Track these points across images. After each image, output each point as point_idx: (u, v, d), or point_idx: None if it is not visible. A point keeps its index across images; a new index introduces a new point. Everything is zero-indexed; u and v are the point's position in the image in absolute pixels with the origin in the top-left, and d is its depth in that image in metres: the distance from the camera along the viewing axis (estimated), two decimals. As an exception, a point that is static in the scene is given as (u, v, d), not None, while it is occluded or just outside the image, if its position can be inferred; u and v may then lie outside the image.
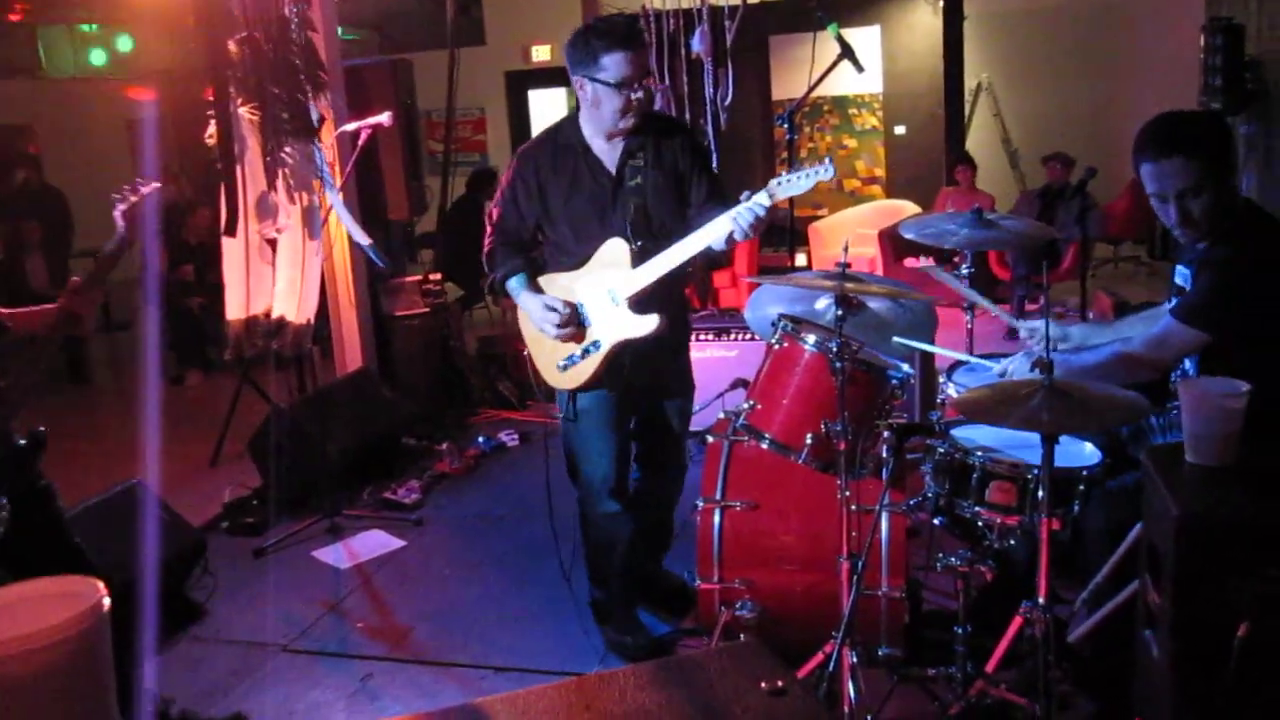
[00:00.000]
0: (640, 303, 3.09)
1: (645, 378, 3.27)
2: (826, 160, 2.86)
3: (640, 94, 3.04)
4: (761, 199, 2.87)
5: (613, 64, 2.98)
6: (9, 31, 8.71)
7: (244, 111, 4.68)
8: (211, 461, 5.65)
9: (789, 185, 2.88)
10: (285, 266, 5.14)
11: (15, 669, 2.54)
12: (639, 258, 3.07)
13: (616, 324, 3.12)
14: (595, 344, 3.15)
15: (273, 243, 5.04)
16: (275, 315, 5.07)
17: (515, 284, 3.25)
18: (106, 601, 2.74)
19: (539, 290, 3.23)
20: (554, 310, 3.13)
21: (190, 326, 7.67)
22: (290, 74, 4.60)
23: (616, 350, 3.14)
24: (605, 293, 3.12)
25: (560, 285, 3.21)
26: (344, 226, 5.46)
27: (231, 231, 4.86)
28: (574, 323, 3.15)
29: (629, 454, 3.43)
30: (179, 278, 7.70)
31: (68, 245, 9.15)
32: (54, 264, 8.55)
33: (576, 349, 3.17)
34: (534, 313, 3.19)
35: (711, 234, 2.95)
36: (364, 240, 5.14)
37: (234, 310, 5.13)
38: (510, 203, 3.25)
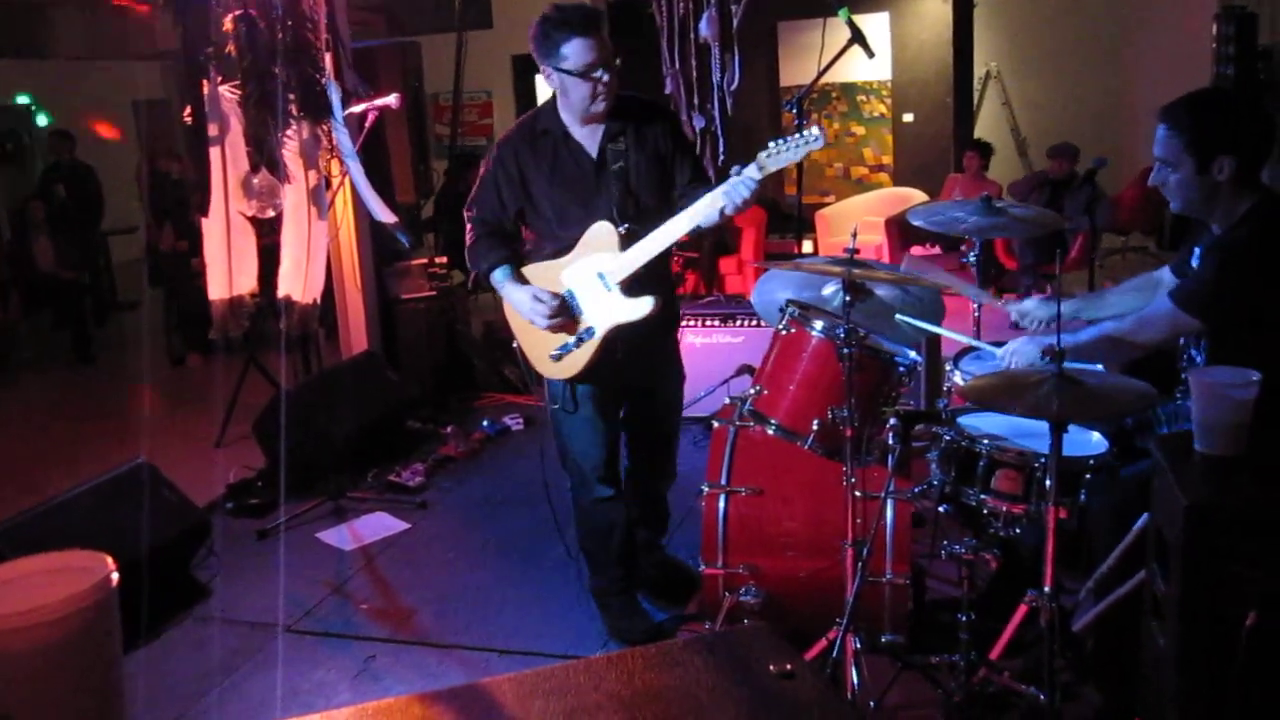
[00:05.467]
0: (631, 285, 3.06)
1: (639, 360, 3.24)
2: (815, 129, 2.82)
3: (607, 77, 3.00)
4: (752, 172, 2.86)
5: (573, 52, 2.95)
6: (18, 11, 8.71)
7: (225, 90, 4.66)
8: (216, 442, 5.65)
9: (779, 156, 2.84)
10: (291, 246, 5.12)
11: (24, 641, 2.55)
12: (627, 240, 3.04)
13: (610, 309, 3.07)
14: (589, 330, 3.10)
15: (263, 222, 5.03)
16: (281, 295, 5.06)
17: (500, 276, 3.17)
18: (115, 576, 2.75)
19: (524, 281, 3.17)
20: (542, 302, 3.07)
21: (199, 308, 7.65)
22: (302, 52, 4.55)
23: (611, 335, 3.10)
24: (595, 277, 3.07)
25: (546, 274, 3.15)
26: (352, 207, 5.45)
27: (204, 211, 4.86)
28: (564, 313, 3.09)
29: (619, 439, 3.41)
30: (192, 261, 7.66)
31: (97, 223, 9.14)
32: (84, 241, 8.55)
33: (570, 338, 3.12)
34: (522, 305, 3.12)
35: (703, 210, 2.93)
36: (389, 218, 5.12)
37: (216, 290, 5.13)
38: (492, 192, 3.19)
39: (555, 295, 3.09)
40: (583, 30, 2.95)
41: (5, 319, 8.18)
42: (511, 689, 1.49)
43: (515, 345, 3.30)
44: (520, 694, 1.48)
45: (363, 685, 3.30)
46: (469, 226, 3.26)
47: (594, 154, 3.12)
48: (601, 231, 3.07)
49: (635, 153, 3.13)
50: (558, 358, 3.15)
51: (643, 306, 3.05)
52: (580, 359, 3.12)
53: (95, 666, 2.74)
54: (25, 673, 2.59)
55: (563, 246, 3.14)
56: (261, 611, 3.79)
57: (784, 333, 2.99)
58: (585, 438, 3.30)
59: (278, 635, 3.63)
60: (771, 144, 2.86)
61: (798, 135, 2.82)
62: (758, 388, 2.99)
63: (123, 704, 2.85)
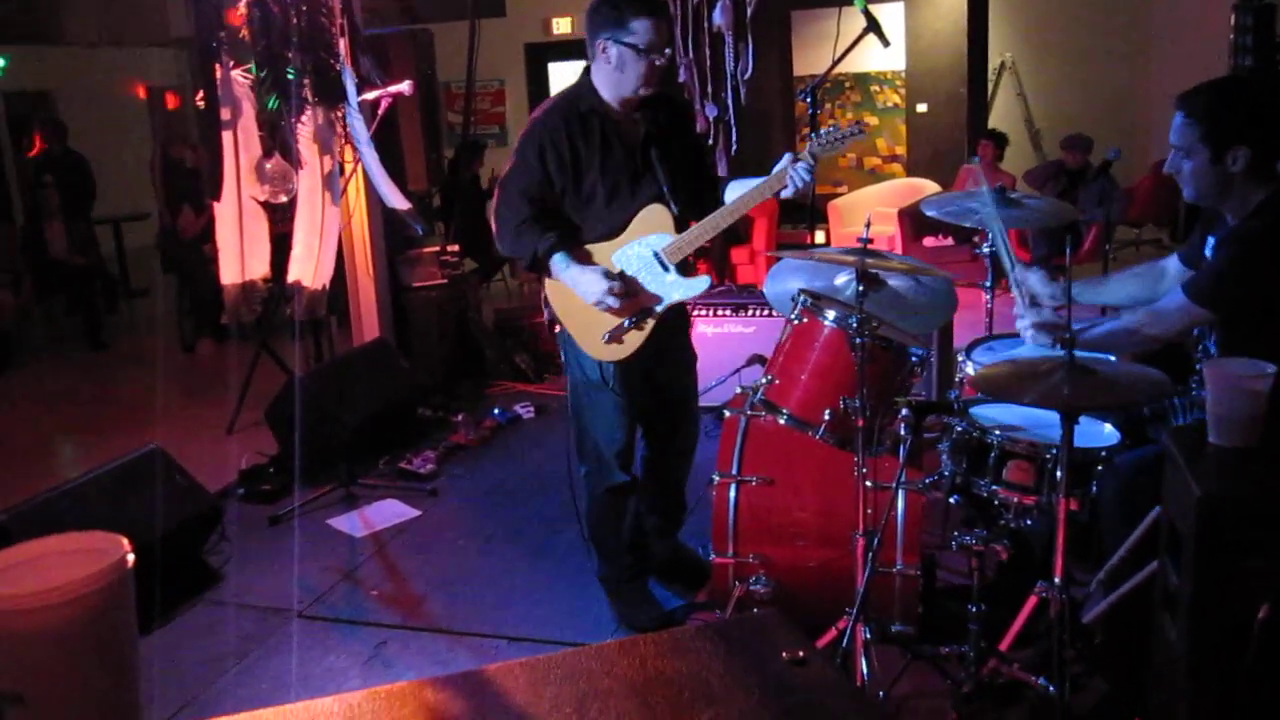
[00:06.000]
0: (683, 265, 3.13)
1: (667, 340, 3.28)
2: (858, 124, 3.04)
3: (663, 61, 3.04)
4: (807, 159, 3.00)
5: (642, 29, 2.98)
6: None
7: (237, 75, 4.67)
8: (228, 429, 5.67)
9: (829, 145, 3.01)
10: (303, 231, 5.13)
11: (40, 620, 2.57)
12: (682, 222, 3.11)
13: (668, 288, 3.12)
14: (648, 310, 3.13)
15: (277, 209, 5.05)
16: (291, 280, 5.07)
17: (561, 259, 3.07)
18: (130, 558, 2.77)
19: (587, 261, 3.12)
20: (614, 280, 3.03)
21: (212, 294, 7.67)
22: (317, 38, 4.55)
23: (667, 315, 3.15)
24: (651, 258, 3.11)
25: (599, 255, 3.15)
26: (365, 194, 5.45)
27: (215, 195, 4.87)
28: (628, 293, 3.09)
29: (637, 424, 3.43)
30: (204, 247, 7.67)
31: (89, 211, 9.14)
32: (77, 230, 8.55)
33: (627, 318, 3.11)
34: (590, 285, 3.04)
35: (762, 193, 3.04)
36: (402, 205, 5.12)
37: (229, 275, 5.14)
38: (538, 172, 3.11)
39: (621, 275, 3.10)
40: (654, 10, 3.01)
41: (19, 304, 8.21)
42: (523, 674, 1.50)
43: (558, 330, 3.27)
44: (532, 679, 1.48)
45: (373, 671, 3.31)
46: (507, 210, 3.14)
47: (638, 136, 3.16)
48: (656, 213, 3.12)
49: (673, 137, 3.20)
50: (610, 339, 3.15)
51: (700, 284, 3.13)
52: (637, 339, 3.15)
53: (111, 647, 2.76)
54: (41, 652, 2.61)
55: (610, 228, 3.14)
56: (273, 597, 3.81)
57: (796, 322, 2.98)
58: (612, 420, 3.30)
59: (289, 620, 3.65)
60: (819, 133, 3.02)
61: (844, 127, 3.01)
62: (769, 377, 2.98)
63: (138, 684, 2.87)
